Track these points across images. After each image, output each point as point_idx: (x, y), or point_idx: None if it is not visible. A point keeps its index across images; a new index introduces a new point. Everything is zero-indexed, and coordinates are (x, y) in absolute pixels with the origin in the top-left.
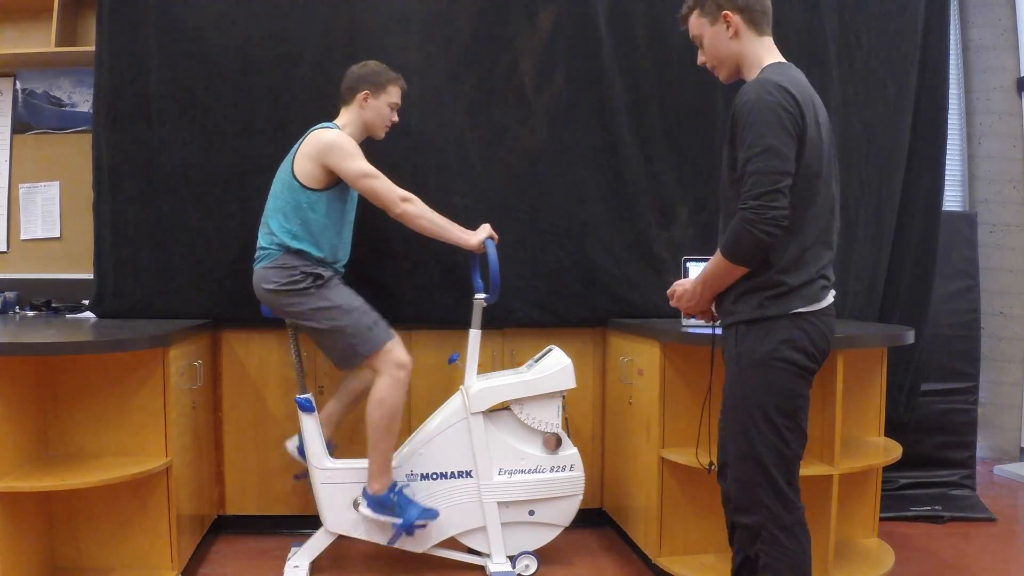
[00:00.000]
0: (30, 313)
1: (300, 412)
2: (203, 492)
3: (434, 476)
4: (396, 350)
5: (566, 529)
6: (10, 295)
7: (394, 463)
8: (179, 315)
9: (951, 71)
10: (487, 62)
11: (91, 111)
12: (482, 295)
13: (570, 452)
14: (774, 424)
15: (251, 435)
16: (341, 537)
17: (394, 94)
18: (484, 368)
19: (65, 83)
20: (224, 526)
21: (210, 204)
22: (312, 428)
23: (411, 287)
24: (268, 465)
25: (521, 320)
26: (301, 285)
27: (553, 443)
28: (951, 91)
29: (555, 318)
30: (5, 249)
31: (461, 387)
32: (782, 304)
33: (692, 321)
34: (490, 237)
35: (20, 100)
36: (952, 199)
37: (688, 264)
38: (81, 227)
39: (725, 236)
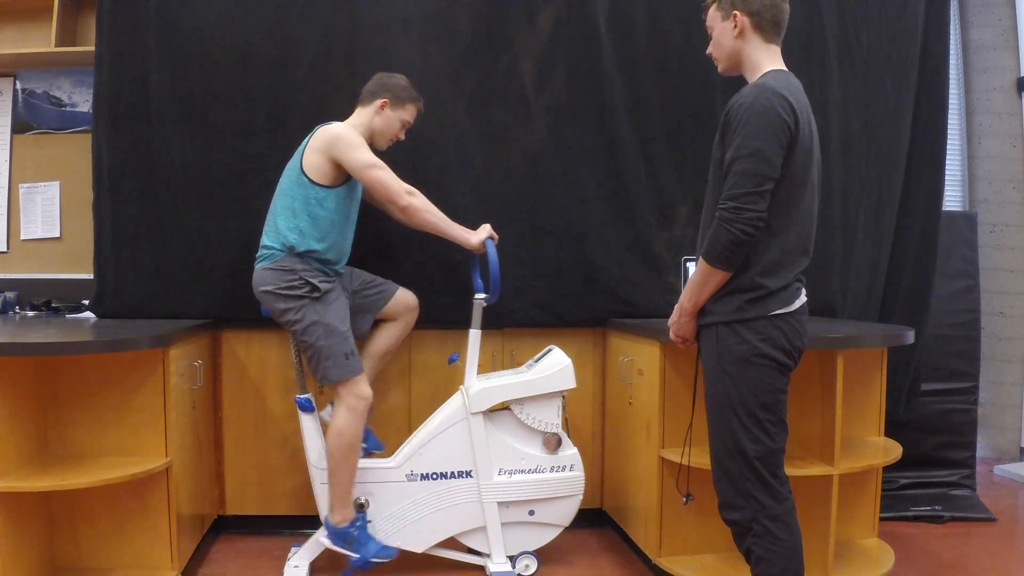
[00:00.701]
0: (30, 313)
1: (300, 412)
2: (203, 492)
3: (434, 476)
4: (361, 384)
5: (566, 529)
6: (10, 295)
7: (394, 463)
8: (179, 315)
9: (951, 71)
10: (487, 62)
11: (91, 111)
12: (482, 295)
13: (570, 452)
14: (758, 419)
15: (251, 435)
16: None
17: (410, 113)
18: (484, 368)
19: (65, 83)
20: (224, 526)
21: (210, 204)
22: (312, 428)
23: (411, 287)
24: (268, 465)
25: (521, 320)
26: (297, 292)
27: (553, 443)
28: (951, 91)
29: (555, 318)
30: (5, 249)
31: (461, 387)
32: (761, 307)
33: None
34: (490, 237)
35: (20, 100)
36: (952, 199)
37: (688, 264)
38: (81, 227)
39: (706, 241)
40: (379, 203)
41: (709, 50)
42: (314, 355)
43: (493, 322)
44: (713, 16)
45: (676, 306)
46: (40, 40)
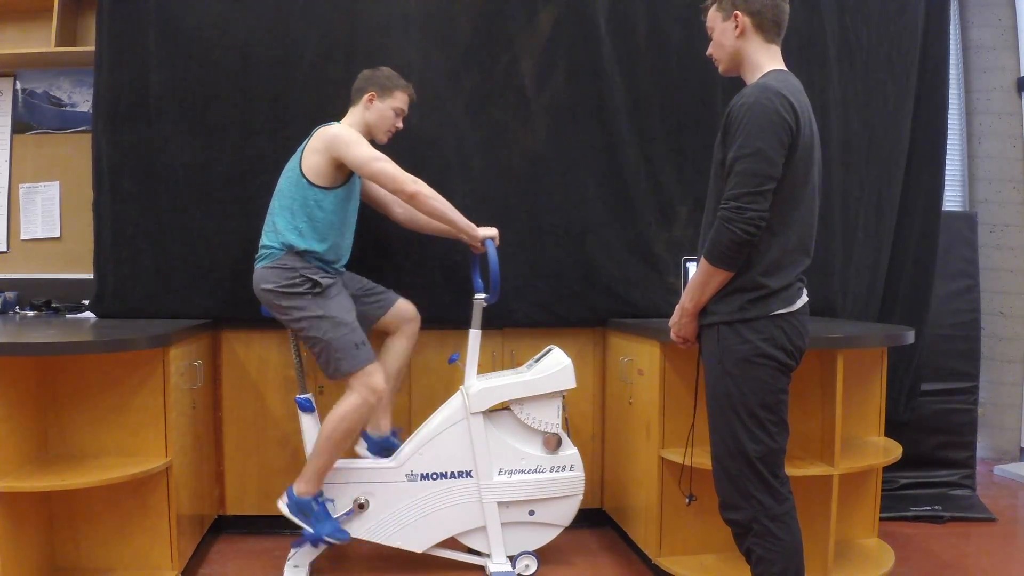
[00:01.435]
0: (30, 313)
1: (300, 412)
2: (203, 492)
3: (434, 476)
4: (376, 375)
5: (566, 529)
6: (10, 295)
7: (394, 463)
8: (179, 315)
9: (951, 71)
10: (487, 62)
11: (91, 111)
12: (482, 295)
13: (570, 452)
14: (759, 419)
15: (251, 435)
16: None
17: (400, 100)
18: (484, 368)
19: (65, 83)
20: (224, 526)
21: (210, 204)
22: (312, 428)
23: (411, 287)
24: (268, 465)
25: (521, 320)
26: (299, 289)
27: (553, 443)
28: (951, 91)
29: (555, 318)
30: (5, 249)
31: (461, 387)
32: (762, 306)
33: None
34: (491, 239)
35: (20, 100)
36: (952, 199)
37: (688, 264)
38: (81, 227)
39: (708, 241)
40: (380, 205)
41: (709, 51)
42: (323, 350)
43: (493, 322)
44: (713, 17)
45: (677, 306)
46: (40, 40)
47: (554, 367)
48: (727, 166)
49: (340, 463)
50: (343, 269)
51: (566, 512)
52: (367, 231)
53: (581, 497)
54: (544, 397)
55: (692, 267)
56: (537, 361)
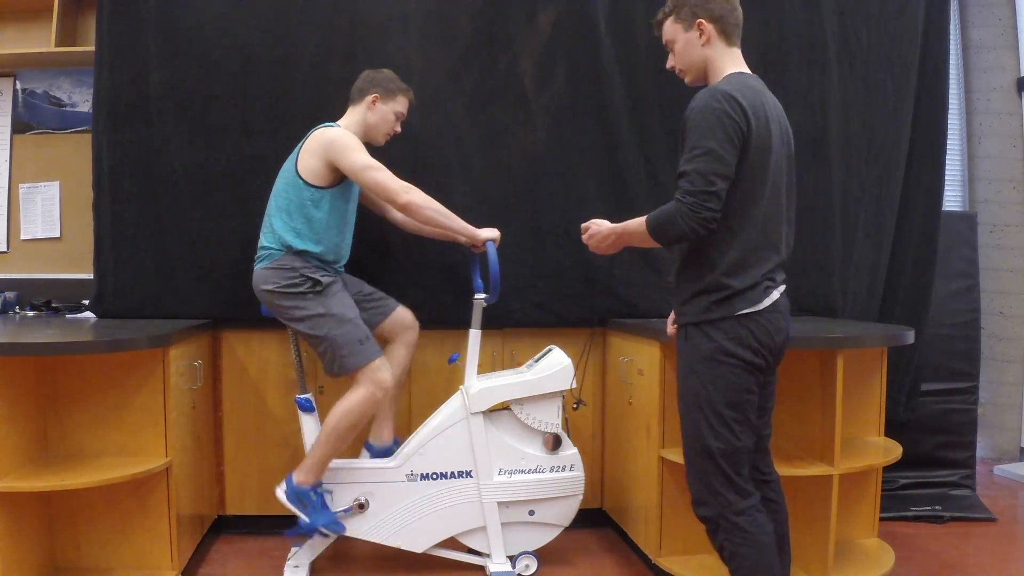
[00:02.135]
0: (30, 313)
1: (300, 412)
2: (203, 492)
3: (434, 476)
4: (382, 369)
5: (566, 529)
6: (10, 295)
7: (394, 463)
8: (179, 315)
9: (951, 71)
10: (487, 62)
11: (91, 111)
12: (482, 295)
13: (570, 452)
14: (723, 417)
15: (251, 435)
16: (341, 537)
17: (402, 103)
18: (484, 368)
19: (65, 83)
20: (224, 526)
21: (210, 204)
22: (312, 428)
23: (411, 287)
24: (268, 465)
25: (521, 320)
26: (300, 289)
27: (553, 443)
28: (951, 91)
29: (555, 318)
30: (5, 249)
31: (461, 387)
32: (727, 307)
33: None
34: (492, 240)
35: (20, 100)
36: (952, 199)
37: None
38: (81, 227)
39: (657, 212)
40: (377, 207)
41: (671, 63)
42: (327, 348)
43: (493, 322)
44: (672, 29)
45: (602, 228)
46: (40, 40)
47: (554, 367)
48: (680, 166)
49: (341, 463)
50: (343, 270)
51: (566, 512)
52: (367, 231)
53: (581, 497)
54: (544, 397)
55: None
56: (537, 361)
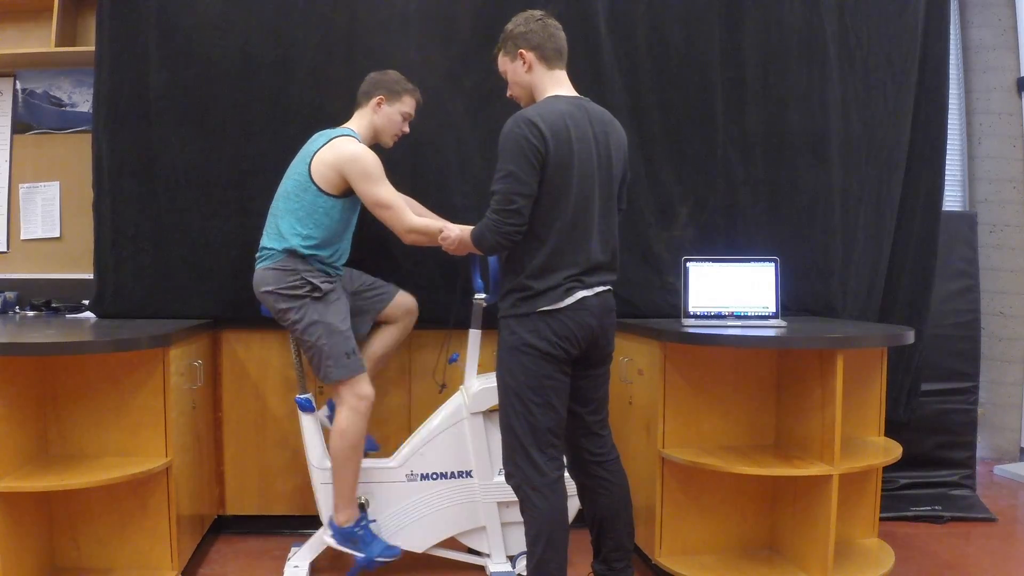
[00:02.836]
0: (30, 313)
1: (300, 412)
2: (203, 492)
3: (434, 476)
4: (362, 383)
5: None
6: (10, 295)
7: (394, 463)
8: (179, 315)
9: (951, 71)
10: (487, 62)
11: (91, 111)
12: (482, 295)
13: None
14: (523, 400)
15: (251, 435)
16: None
17: (408, 104)
18: (484, 368)
19: (65, 83)
20: (224, 526)
21: (210, 204)
22: (312, 428)
23: (411, 287)
24: (268, 465)
25: None
26: (299, 292)
27: None
28: (951, 91)
29: None
30: (5, 249)
31: (461, 387)
32: (530, 304)
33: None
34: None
35: (20, 100)
36: (952, 199)
37: (688, 264)
38: (81, 227)
39: (477, 226)
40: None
41: (509, 93)
42: (315, 355)
43: (493, 322)
44: (503, 61)
45: (454, 232)
46: (40, 40)
47: None
48: (492, 185)
49: None
50: (342, 271)
51: None
52: (367, 231)
53: None
54: None
55: (692, 267)
56: None
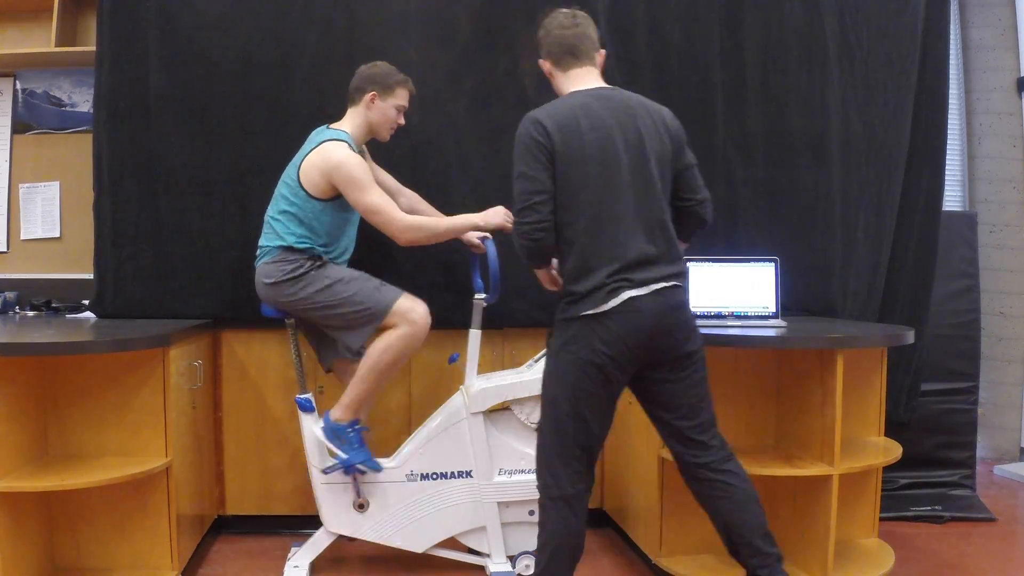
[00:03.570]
0: (30, 313)
1: (300, 412)
2: (203, 492)
3: (434, 476)
4: (412, 304)
5: None
6: (10, 295)
7: (394, 463)
8: (179, 315)
9: (951, 71)
10: (487, 62)
11: (91, 111)
12: (482, 295)
13: None
14: (556, 408)
15: (251, 435)
16: (341, 537)
17: (401, 96)
18: (484, 368)
19: (65, 83)
20: (224, 526)
21: (210, 204)
22: (312, 428)
23: (411, 287)
24: (268, 465)
25: (521, 320)
26: (301, 271)
27: None
28: (951, 91)
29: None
30: (5, 249)
31: (461, 387)
32: (574, 309)
33: None
34: (487, 237)
35: (20, 100)
36: (952, 199)
37: (688, 264)
38: (81, 227)
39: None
40: None
41: None
42: (346, 311)
43: (493, 322)
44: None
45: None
46: (40, 40)
47: None
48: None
49: None
50: (345, 265)
51: None
52: (367, 231)
53: None
54: None
55: (692, 267)
56: (537, 361)
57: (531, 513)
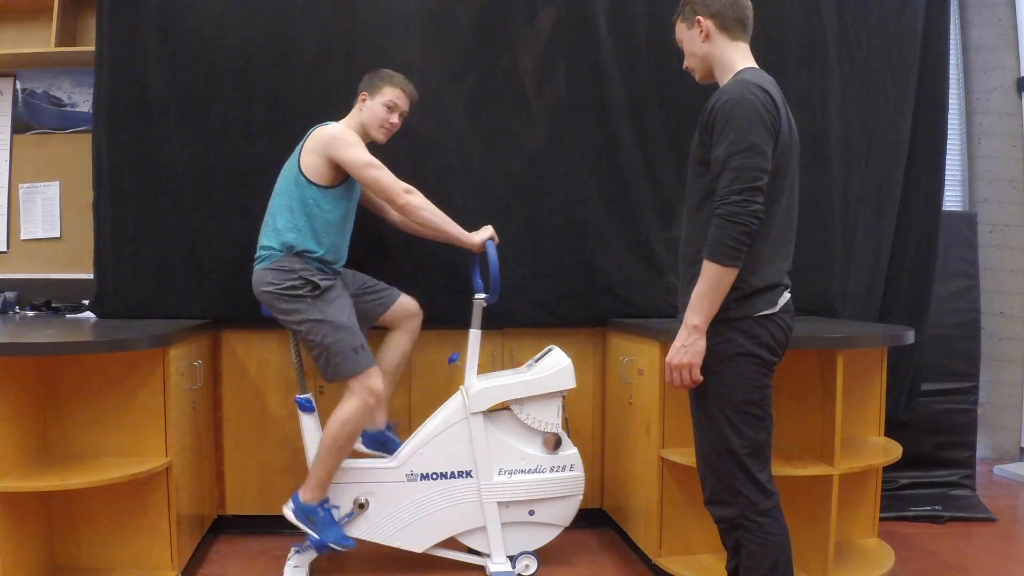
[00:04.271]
0: (30, 313)
1: (300, 412)
2: (203, 492)
3: (434, 476)
4: (374, 377)
5: (566, 529)
6: (10, 295)
7: (394, 463)
8: (179, 315)
9: (951, 71)
10: (487, 62)
11: (91, 111)
12: (482, 295)
13: (570, 452)
14: (746, 415)
15: (251, 435)
16: None
17: (389, 93)
18: (484, 368)
19: (65, 83)
20: (224, 526)
21: (210, 204)
22: (312, 428)
23: (411, 287)
24: (268, 465)
25: (521, 320)
26: (299, 292)
27: (553, 443)
28: (951, 91)
29: (555, 318)
30: (5, 249)
31: (461, 387)
32: (747, 307)
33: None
34: (491, 239)
35: (20, 100)
36: (952, 199)
37: None
38: (81, 227)
39: (710, 241)
40: (375, 207)
41: (685, 64)
42: (322, 353)
43: (493, 322)
44: (680, 29)
45: (681, 331)
46: (40, 40)
47: (554, 367)
48: (719, 163)
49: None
50: (341, 269)
51: (566, 512)
52: (367, 231)
53: (581, 497)
54: (544, 397)
55: None
56: (537, 361)
57: (531, 513)
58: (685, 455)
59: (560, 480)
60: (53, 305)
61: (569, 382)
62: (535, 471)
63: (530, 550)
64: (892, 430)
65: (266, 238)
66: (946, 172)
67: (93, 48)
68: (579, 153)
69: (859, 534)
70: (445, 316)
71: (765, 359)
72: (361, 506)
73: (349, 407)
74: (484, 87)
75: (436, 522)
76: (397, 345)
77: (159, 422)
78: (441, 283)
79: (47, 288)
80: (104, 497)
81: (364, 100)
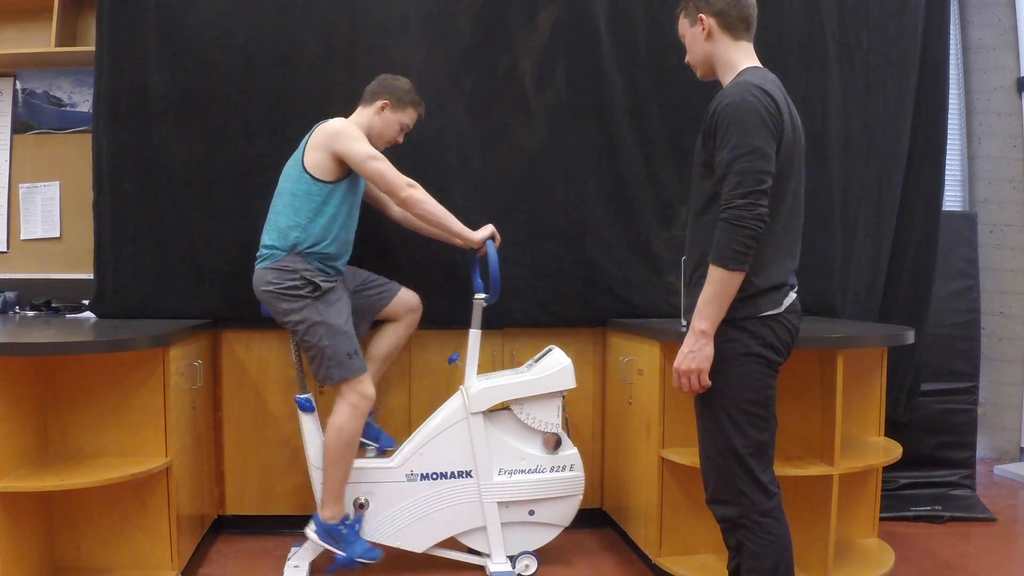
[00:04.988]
0: (30, 313)
1: (300, 412)
2: (203, 492)
3: (434, 476)
4: (365, 382)
5: (566, 529)
6: (10, 295)
7: (394, 463)
8: (179, 315)
9: (951, 71)
10: (487, 62)
11: (91, 111)
12: (482, 295)
13: (570, 452)
14: (750, 415)
15: (251, 435)
16: None
17: (410, 116)
18: (484, 368)
19: (65, 83)
20: (224, 526)
21: (210, 204)
22: (312, 428)
23: (411, 287)
24: (268, 465)
25: (521, 320)
26: (299, 292)
27: (553, 443)
28: (951, 91)
29: (555, 318)
30: (5, 249)
31: (461, 387)
32: (751, 307)
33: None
34: (491, 237)
35: (20, 100)
36: (952, 199)
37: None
38: (81, 227)
39: (715, 245)
40: (378, 204)
41: (686, 59)
42: (316, 355)
43: (493, 322)
44: (683, 24)
45: (688, 335)
46: (40, 40)
47: (554, 367)
48: (722, 167)
49: None
50: (343, 269)
51: (566, 512)
52: (367, 231)
53: (581, 497)
54: (544, 397)
55: None
56: (537, 361)
57: (531, 513)
58: (685, 455)
59: (560, 480)
60: (53, 305)
61: (569, 382)
62: (535, 471)
63: (530, 550)
64: (892, 430)
65: (269, 237)
66: (946, 172)
67: (93, 48)
68: (579, 153)
69: (859, 534)
70: (445, 316)
71: (769, 359)
72: (361, 506)
73: (342, 415)
74: (484, 87)
75: (436, 522)
76: (393, 334)
77: (159, 422)
78: (441, 283)
79: (47, 288)
80: (104, 497)
81: (384, 108)
